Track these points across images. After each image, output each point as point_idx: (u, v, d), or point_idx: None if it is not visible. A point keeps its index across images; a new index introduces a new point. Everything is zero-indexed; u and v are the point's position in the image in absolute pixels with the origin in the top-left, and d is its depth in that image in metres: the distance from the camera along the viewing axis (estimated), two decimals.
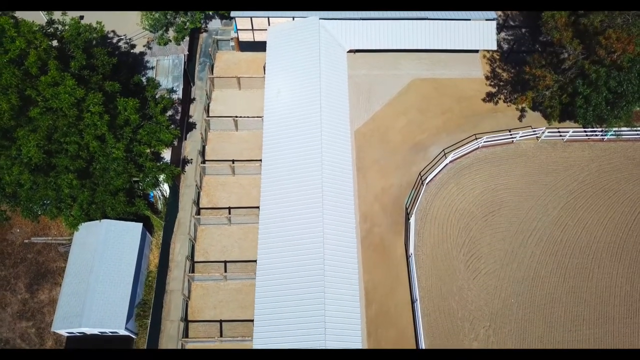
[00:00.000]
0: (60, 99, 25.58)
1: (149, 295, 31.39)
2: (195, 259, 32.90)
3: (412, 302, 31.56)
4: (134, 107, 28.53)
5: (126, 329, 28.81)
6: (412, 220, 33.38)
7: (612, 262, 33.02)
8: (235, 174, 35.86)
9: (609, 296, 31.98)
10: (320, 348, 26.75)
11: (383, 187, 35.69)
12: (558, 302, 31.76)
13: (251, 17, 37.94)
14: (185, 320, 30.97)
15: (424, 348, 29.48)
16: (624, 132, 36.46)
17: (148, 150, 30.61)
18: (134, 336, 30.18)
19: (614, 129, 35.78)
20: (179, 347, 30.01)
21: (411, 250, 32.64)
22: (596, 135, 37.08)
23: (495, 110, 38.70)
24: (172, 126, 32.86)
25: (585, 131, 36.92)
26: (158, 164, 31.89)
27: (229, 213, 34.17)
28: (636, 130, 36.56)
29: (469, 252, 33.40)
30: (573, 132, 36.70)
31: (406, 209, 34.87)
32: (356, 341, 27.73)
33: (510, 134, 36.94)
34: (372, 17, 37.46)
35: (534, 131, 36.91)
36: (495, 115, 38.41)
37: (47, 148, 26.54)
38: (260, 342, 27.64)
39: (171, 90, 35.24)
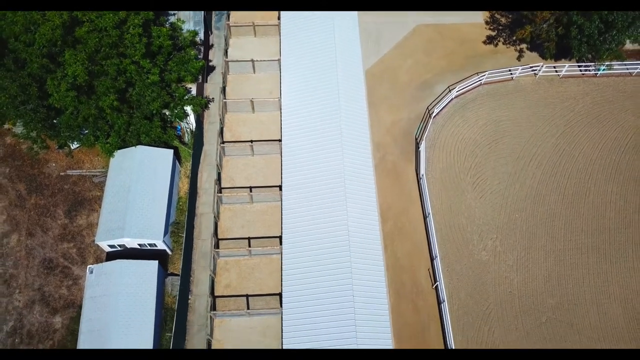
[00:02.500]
0: (104, 18, 27.88)
1: (181, 217, 33.77)
2: (222, 186, 35.25)
3: (425, 217, 34.21)
4: (167, 34, 30.88)
5: (163, 241, 31.15)
6: (421, 147, 36.02)
7: (606, 181, 35.83)
8: (255, 111, 38.27)
9: (604, 210, 34.79)
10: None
11: (393, 121, 38.31)
12: (558, 216, 34.54)
13: None
14: (216, 236, 33.32)
15: (438, 259, 32.08)
16: (615, 67, 39.30)
17: (177, 80, 32.89)
18: (169, 251, 32.55)
19: (606, 63, 38.64)
20: (211, 259, 32.31)
21: (422, 172, 35.29)
22: (589, 70, 39.92)
23: (496, 52, 41.41)
24: (199, 57, 35.20)
25: (579, 67, 39.76)
26: (186, 96, 34.24)
27: (251, 145, 36.50)
28: (626, 65, 39.43)
29: (475, 175, 36.10)
30: (569, 67, 39.50)
31: (416, 139, 37.50)
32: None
33: (510, 71, 39.67)
34: None
35: (532, 68, 39.71)
36: (496, 56, 41.11)
37: (90, 69, 28.81)
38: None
39: (194, 33, 37.54)
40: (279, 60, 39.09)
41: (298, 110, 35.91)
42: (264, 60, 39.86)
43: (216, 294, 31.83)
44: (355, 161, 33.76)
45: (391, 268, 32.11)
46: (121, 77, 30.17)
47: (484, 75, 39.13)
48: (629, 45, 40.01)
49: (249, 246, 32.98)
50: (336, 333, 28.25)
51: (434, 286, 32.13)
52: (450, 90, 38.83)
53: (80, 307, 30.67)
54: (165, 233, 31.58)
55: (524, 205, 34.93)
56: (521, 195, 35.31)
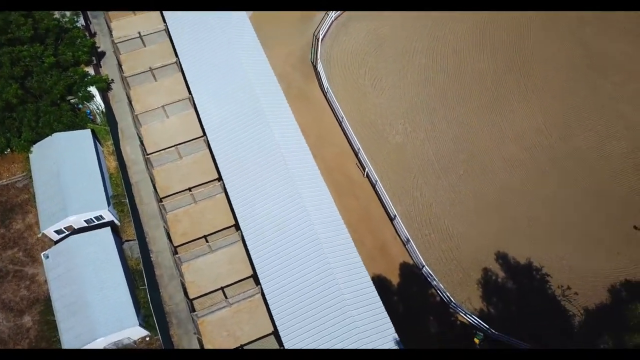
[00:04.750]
0: None
1: (118, 189, 34.64)
2: (148, 152, 36.41)
3: (339, 123, 37.89)
4: (51, 17, 31.47)
5: (109, 211, 32.03)
6: (319, 67, 39.59)
7: (478, 56, 41.56)
8: (157, 79, 39.58)
9: (482, 76, 40.49)
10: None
11: (288, 53, 41.51)
12: (448, 90, 39.73)
13: None
14: (159, 200, 34.61)
15: (361, 151, 35.81)
16: None
17: (73, 61, 33.53)
18: (117, 221, 33.40)
19: None
20: (161, 219, 33.71)
21: (326, 87, 38.85)
22: None
23: None
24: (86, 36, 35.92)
25: None
26: (87, 78, 34.91)
27: (163, 108, 37.85)
28: None
29: (372, 77, 40.35)
30: None
31: (312, 62, 40.97)
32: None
33: None
34: None
35: None
36: None
37: None
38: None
39: (76, 14, 37.75)
40: (166, 28, 40.57)
41: (199, 66, 37.48)
42: (152, 33, 41.13)
43: (176, 244, 33.30)
44: (268, 97, 36.12)
45: (325, 171, 35.29)
46: (17, 66, 30.39)
47: None
48: None
49: (192, 195, 34.64)
50: (311, 273, 29.16)
51: (365, 175, 35.98)
52: (328, 15, 42.60)
53: (46, 298, 30.84)
54: (108, 204, 32.42)
55: (418, 91, 39.73)
56: (414, 82, 40.09)
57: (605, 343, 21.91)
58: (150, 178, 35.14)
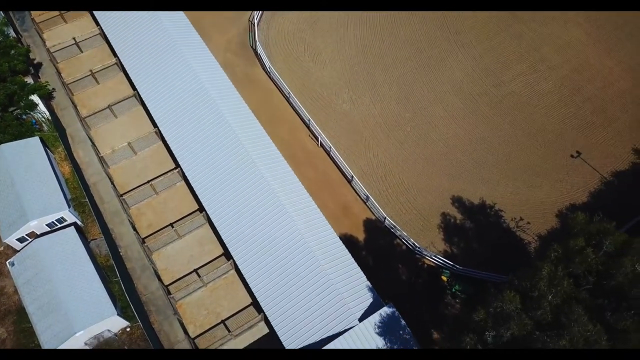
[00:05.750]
0: None
1: (77, 192, 34.51)
2: (102, 153, 36.37)
3: (287, 99, 39.04)
4: None
5: (70, 212, 31.93)
6: (259, 50, 40.61)
7: (410, 20, 43.59)
8: (99, 82, 39.52)
9: (414, 36, 42.46)
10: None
11: (227, 40, 42.31)
12: (385, 55, 41.51)
13: None
14: (119, 196, 34.67)
15: (312, 122, 37.08)
16: None
17: (9, 71, 33.20)
18: (80, 222, 33.29)
19: None
20: (125, 213, 33.91)
21: (269, 67, 39.92)
22: None
23: None
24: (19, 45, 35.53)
25: None
26: (27, 87, 34.57)
27: (110, 108, 37.88)
28: None
29: (312, 54, 41.69)
30: None
31: (251, 47, 41.94)
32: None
33: None
34: None
35: None
36: None
37: None
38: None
39: (4, 22, 37.16)
40: (100, 31, 40.53)
41: (141, 62, 37.47)
42: (87, 38, 41.02)
43: (143, 236, 33.53)
44: (214, 83, 36.60)
45: (280, 146, 35.96)
46: None
47: None
48: None
49: (152, 187, 34.92)
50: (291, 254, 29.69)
51: (319, 145, 37.28)
52: None
53: (19, 307, 30.48)
54: (69, 206, 32.30)
55: (357, 60, 41.38)
56: (351, 53, 41.71)
57: (556, 251, 23.88)
58: (108, 177, 35.19)
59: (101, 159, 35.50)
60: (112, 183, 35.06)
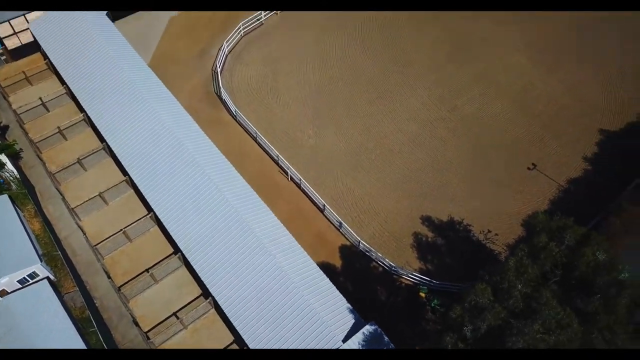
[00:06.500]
0: None
1: (48, 247, 34.12)
2: (72, 206, 36.30)
3: (254, 138, 40.34)
4: None
5: (42, 266, 31.47)
6: (224, 96, 42.22)
7: (364, 57, 46.35)
8: (67, 138, 39.99)
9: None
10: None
11: (191, 89, 43.85)
12: (345, 89, 43.63)
13: (9, 21, 42.43)
14: (92, 247, 34.40)
15: (280, 158, 38.26)
16: None
17: None
18: (53, 277, 32.72)
19: None
20: (99, 263, 33.57)
21: (234, 111, 41.41)
22: None
23: (240, 12, 49.92)
24: None
25: None
26: None
27: (80, 162, 38.15)
28: None
29: (275, 96, 43.55)
30: None
31: (215, 93, 43.54)
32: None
33: (257, 19, 48.40)
34: None
35: (273, 11, 49.03)
36: (241, 15, 49.38)
37: None
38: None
39: None
40: (66, 90, 41.47)
41: (109, 115, 38.06)
42: (54, 98, 41.80)
43: (119, 285, 33.07)
44: (181, 127, 37.56)
45: (251, 183, 36.45)
46: None
47: (240, 29, 47.12)
48: None
49: (126, 234, 34.86)
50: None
51: (289, 179, 38.31)
52: (222, 48, 45.82)
53: None
54: (40, 260, 31.86)
55: (319, 98, 43.40)
56: (313, 91, 43.78)
57: (522, 250, 25.02)
58: (80, 229, 35.02)
59: (72, 212, 35.41)
60: (85, 234, 34.86)
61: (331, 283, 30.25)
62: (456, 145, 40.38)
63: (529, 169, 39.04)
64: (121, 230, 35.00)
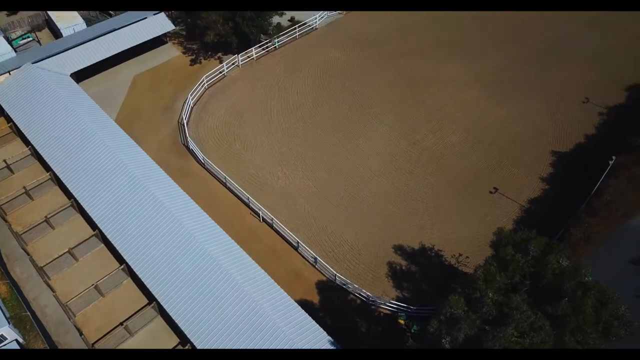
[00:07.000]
0: None
1: (16, 309, 32.96)
2: (41, 265, 35.44)
3: (224, 184, 40.92)
4: None
5: (10, 329, 30.30)
6: (192, 146, 43.04)
7: (325, 101, 48.43)
8: (34, 198, 39.56)
9: (334, 118, 47.00)
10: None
11: (160, 139, 44.54)
12: (308, 133, 45.19)
13: None
14: (63, 305, 33.44)
15: (251, 200, 38.81)
16: (282, 40, 53.59)
17: None
18: (21, 339, 31.43)
19: (276, 38, 52.53)
20: (70, 323, 32.54)
21: (202, 159, 42.13)
22: (270, 47, 53.31)
23: (203, 66, 51.76)
24: None
25: (262, 48, 52.75)
26: None
27: (47, 221, 37.59)
28: (288, 33, 54.10)
29: (242, 142, 44.62)
30: (256, 51, 52.12)
31: (183, 144, 44.32)
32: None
33: (220, 71, 50.23)
34: (72, 44, 46.58)
35: (232, 63, 51.06)
36: (204, 68, 51.31)
37: None
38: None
39: None
40: (31, 152, 41.46)
41: (76, 172, 37.92)
42: (18, 160, 41.63)
43: (92, 341, 32.02)
44: (150, 178, 37.79)
45: (224, 227, 36.62)
46: None
47: (204, 82, 48.72)
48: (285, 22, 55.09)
49: (98, 289, 34.13)
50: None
51: (261, 220, 38.73)
52: (187, 101, 47.04)
53: None
54: (8, 322, 30.71)
55: (284, 141, 44.73)
56: (278, 135, 45.12)
57: (491, 264, 25.98)
58: (50, 288, 34.12)
59: (41, 271, 34.61)
60: (54, 293, 33.94)
61: (313, 320, 30.18)
62: (420, 176, 41.97)
63: (491, 192, 40.79)
64: (93, 285, 34.38)
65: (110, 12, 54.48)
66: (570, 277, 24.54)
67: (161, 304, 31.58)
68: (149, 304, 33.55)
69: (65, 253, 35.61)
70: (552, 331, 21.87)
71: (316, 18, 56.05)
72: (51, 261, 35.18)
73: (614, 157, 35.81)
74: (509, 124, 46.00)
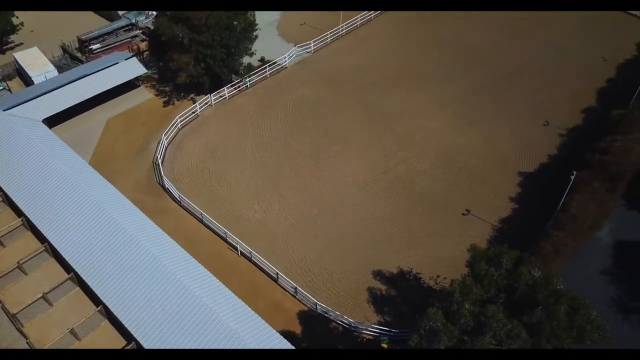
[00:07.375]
0: None
1: None
2: (14, 312, 34.39)
3: (200, 220, 41.00)
4: None
5: None
6: (167, 185, 43.27)
7: (296, 134, 49.59)
8: (5, 245, 38.73)
9: (305, 151, 48.07)
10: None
11: (134, 182, 44.62)
12: (282, 165, 46.02)
13: None
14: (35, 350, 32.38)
15: (228, 234, 38.93)
16: (253, 79, 55.16)
17: None
18: None
19: (247, 77, 54.07)
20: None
21: (178, 197, 42.29)
22: (242, 85, 54.72)
23: (176, 107, 52.65)
24: None
25: (234, 87, 54.10)
26: None
27: (20, 267, 36.78)
28: (260, 72, 55.74)
29: (217, 179, 45.09)
30: (228, 90, 53.40)
31: (158, 183, 44.48)
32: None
33: (193, 111, 51.11)
34: (44, 91, 47.00)
35: (205, 102, 52.10)
36: (177, 109, 52.14)
37: None
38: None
39: None
40: (1, 198, 40.92)
41: (48, 215, 37.74)
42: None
43: None
44: (127, 218, 37.70)
45: (203, 263, 36.39)
46: None
47: (177, 122, 49.43)
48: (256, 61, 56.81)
49: (74, 333, 33.21)
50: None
51: (239, 254, 38.76)
52: (162, 141, 47.49)
53: None
54: None
55: (259, 175, 45.37)
56: (253, 170, 45.79)
57: (468, 279, 26.65)
58: (23, 335, 33.06)
59: (13, 318, 33.60)
60: (27, 340, 32.88)
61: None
62: (394, 202, 42.94)
63: (463, 214, 41.93)
64: (68, 330, 33.50)
65: (82, 58, 55.39)
66: (542, 286, 25.36)
67: (141, 344, 30.96)
68: (127, 345, 32.79)
69: (39, 298, 34.78)
70: (529, 339, 22.43)
71: (285, 57, 58.00)
72: (24, 308, 34.25)
73: (574, 172, 37.53)
74: (475, 151, 47.79)
